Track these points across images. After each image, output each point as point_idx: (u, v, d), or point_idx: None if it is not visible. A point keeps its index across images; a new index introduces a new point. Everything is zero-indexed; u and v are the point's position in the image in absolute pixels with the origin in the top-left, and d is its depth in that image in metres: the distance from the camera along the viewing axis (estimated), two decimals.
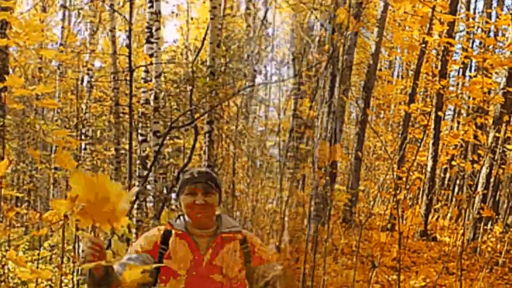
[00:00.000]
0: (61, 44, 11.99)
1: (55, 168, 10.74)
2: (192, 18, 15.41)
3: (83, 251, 1.98)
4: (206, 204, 2.34)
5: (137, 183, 8.86)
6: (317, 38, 11.88)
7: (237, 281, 2.35)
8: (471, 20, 13.65)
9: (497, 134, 10.01)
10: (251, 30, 12.40)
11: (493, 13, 13.73)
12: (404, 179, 9.51)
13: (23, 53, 13.72)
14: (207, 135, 8.50)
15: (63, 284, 9.07)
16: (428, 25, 11.13)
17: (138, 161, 9.04)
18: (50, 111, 14.01)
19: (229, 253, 2.34)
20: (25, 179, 14.29)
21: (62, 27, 12.16)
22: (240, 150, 10.00)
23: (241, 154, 10.21)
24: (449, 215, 13.13)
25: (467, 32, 13.97)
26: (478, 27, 13.85)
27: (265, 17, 12.38)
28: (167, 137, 9.64)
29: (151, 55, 8.76)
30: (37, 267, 8.57)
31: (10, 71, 13.19)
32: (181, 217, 2.43)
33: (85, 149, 11.58)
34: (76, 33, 13.36)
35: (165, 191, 9.49)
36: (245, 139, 10.36)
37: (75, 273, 8.93)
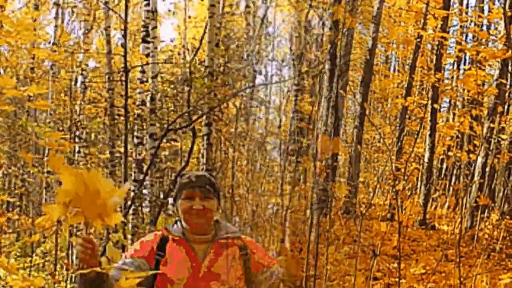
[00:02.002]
0: (54, 43, 11.81)
1: (48, 172, 10.52)
2: (189, 17, 15.32)
3: (77, 258, 1.82)
4: (204, 209, 2.27)
5: (132, 187, 8.68)
6: (315, 37, 11.84)
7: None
8: (464, 14, 13.98)
9: (491, 125, 10.21)
10: (250, 29, 12.29)
11: (486, 7, 14.04)
12: (402, 170, 9.73)
13: (15, 53, 13.53)
14: (205, 137, 8.36)
15: None
16: (422, 20, 11.39)
17: (133, 165, 8.93)
18: (43, 112, 13.80)
19: (228, 259, 2.27)
20: (17, 183, 14.08)
21: (55, 26, 11.99)
22: (239, 153, 9.82)
23: (241, 158, 10.04)
24: (447, 204, 13.36)
25: (461, 26, 14.37)
26: (471, 21, 14.23)
27: (265, 15, 12.23)
28: (164, 140, 9.48)
29: (147, 55, 8.66)
30: (29, 275, 8.31)
31: (1, 71, 12.96)
32: (178, 223, 2.36)
33: (79, 152, 11.41)
34: (70, 32, 13.16)
35: (161, 195, 9.30)
36: (244, 142, 10.22)
37: (68, 281, 8.69)
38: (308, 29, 12.14)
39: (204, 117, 8.12)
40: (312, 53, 12.00)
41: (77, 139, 11.14)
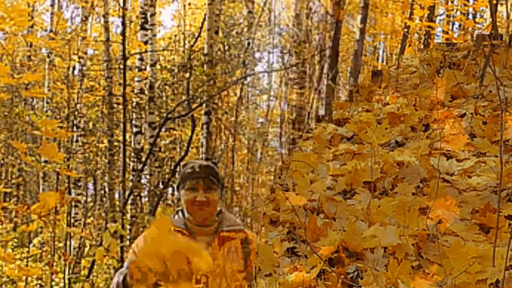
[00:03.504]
0: (51, 31, 11.73)
1: (45, 162, 10.43)
2: (189, 3, 15.18)
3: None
4: (208, 200, 2.24)
5: (131, 177, 8.63)
6: (315, 25, 11.80)
7: (237, 282, 2.25)
8: (450, 3, 14.17)
9: None
10: (251, 16, 12.14)
11: None
12: None
13: (11, 40, 13.41)
14: (205, 126, 8.27)
15: (53, 283, 8.78)
16: (409, 10, 11.62)
17: (132, 154, 8.87)
18: (40, 101, 13.71)
19: (230, 253, 2.26)
20: (14, 172, 14.03)
21: (52, 13, 11.91)
22: (239, 142, 9.74)
23: (241, 147, 9.96)
24: None
25: (447, 15, 14.52)
26: (457, 10, 14.32)
27: (266, 2, 12.10)
28: (163, 129, 9.40)
29: (145, 42, 8.59)
30: (27, 265, 8.26)
31: None
32: (180, 213, 2.33)
33: (76, 141, 11.36)
34: (67, 19, 13.04)
35: (160, 185, 9.25)
36: (245, 131, 10.12)
37: (66, 271, 8.61)
38: (309, 16, 12.06)
39: (203, 106, 8.03)
40: (303, 46, 11.96)
41: (74, 128, 11.08)
